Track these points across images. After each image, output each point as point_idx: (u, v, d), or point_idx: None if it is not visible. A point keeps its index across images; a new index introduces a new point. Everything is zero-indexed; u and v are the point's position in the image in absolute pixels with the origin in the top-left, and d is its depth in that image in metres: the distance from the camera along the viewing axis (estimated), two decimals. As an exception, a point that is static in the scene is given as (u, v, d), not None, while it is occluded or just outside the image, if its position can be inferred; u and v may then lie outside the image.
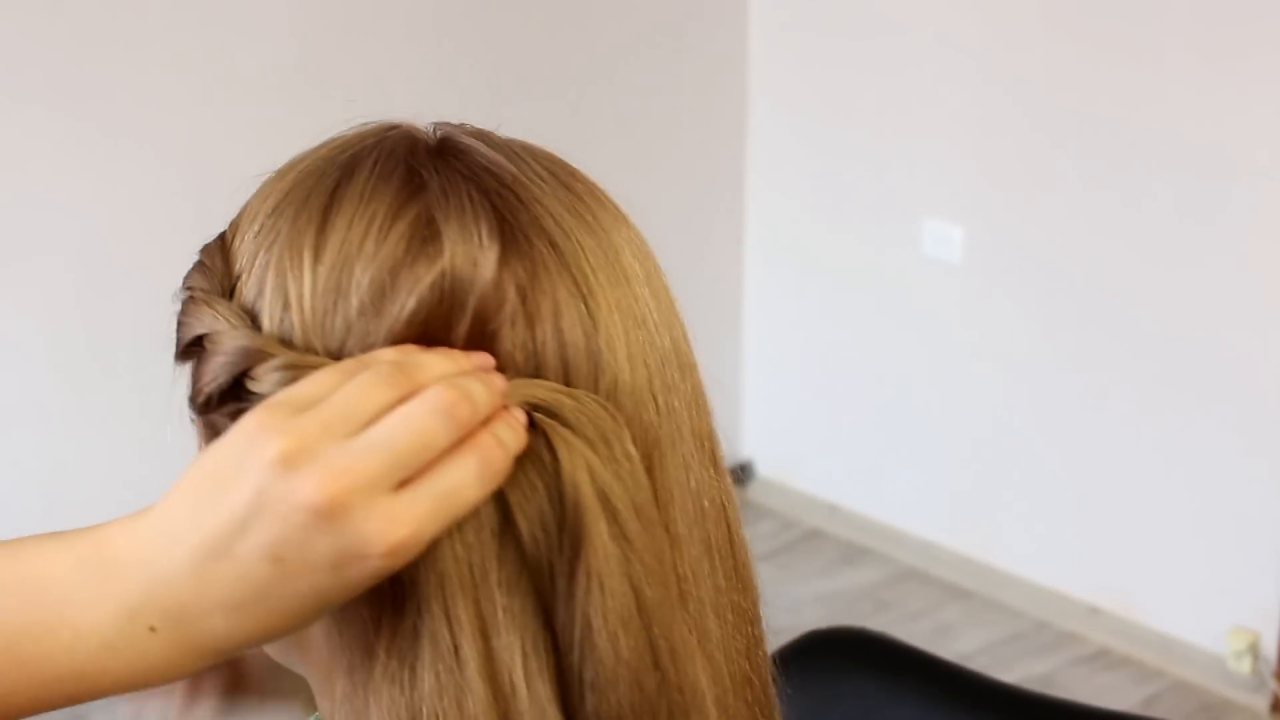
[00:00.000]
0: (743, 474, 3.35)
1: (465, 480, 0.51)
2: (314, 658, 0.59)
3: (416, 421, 0.50)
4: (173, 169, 2.43)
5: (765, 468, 3.35)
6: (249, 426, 0.50)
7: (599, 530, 0.53)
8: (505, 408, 0.53)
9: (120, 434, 2.43)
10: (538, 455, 0.53)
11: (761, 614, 0.63)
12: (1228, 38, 2.40)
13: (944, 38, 2.80)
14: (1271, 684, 2.54)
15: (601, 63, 2.95)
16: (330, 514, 0.48)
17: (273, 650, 0.62)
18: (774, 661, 0.67)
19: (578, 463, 0.53)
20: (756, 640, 0.62)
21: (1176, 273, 2.53)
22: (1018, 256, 2.77)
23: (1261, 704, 2.55)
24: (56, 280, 2.39)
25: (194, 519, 0.50)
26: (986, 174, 2.79)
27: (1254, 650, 2.54)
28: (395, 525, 0.49)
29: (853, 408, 3.14)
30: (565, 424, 0.54)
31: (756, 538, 3.21)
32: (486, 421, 0.52)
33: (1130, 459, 2.67)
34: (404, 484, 0.50)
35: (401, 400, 0.51)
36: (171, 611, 0.50)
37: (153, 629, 0.51)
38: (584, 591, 0.52)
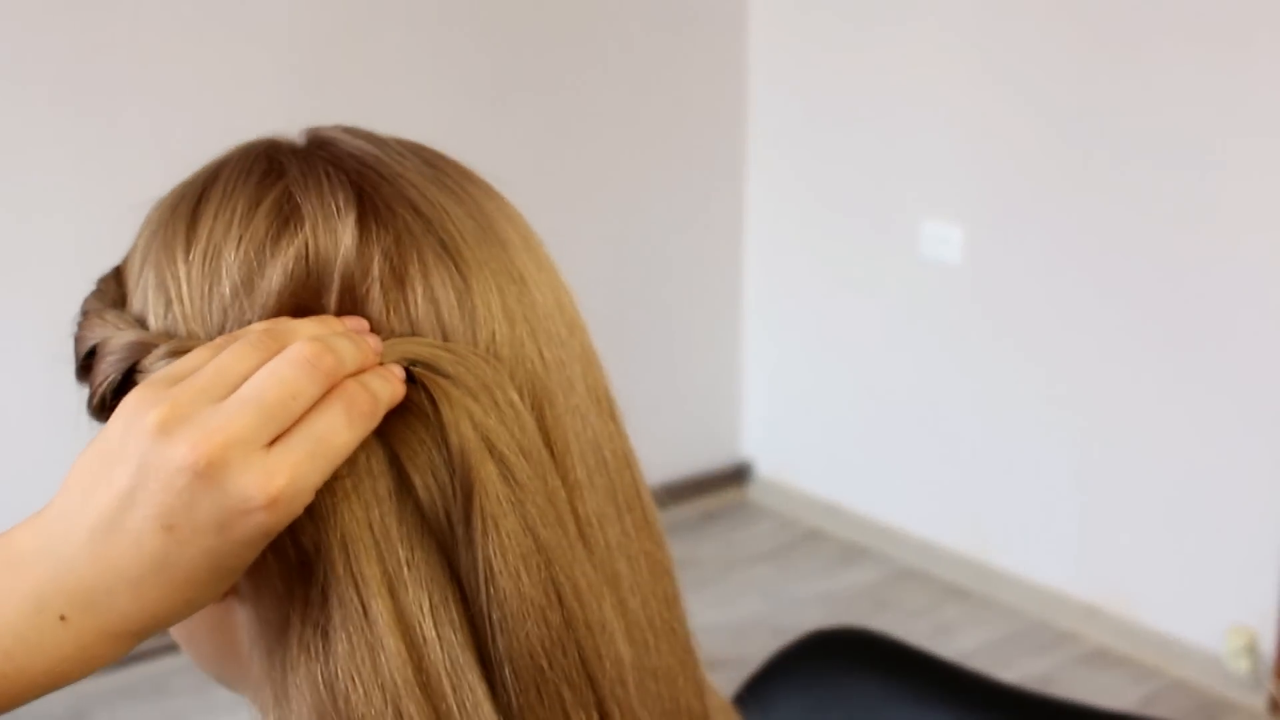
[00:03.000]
0: (743, 474, 3.36)
1: (334, 426, 0.52)
2: (243, 657, 0.59)
3: (280, 374, 0.52)
4: (173, 170, 2.43)
5: (765, 468, 3.35)
6: (129, 403, 0.52)
7: (488, 473, 0.54)
8: (381, 364, 0.55)
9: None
10: (421, 409, 0.55)
11: (675, 569, 0.65)
12: (1229, 38, 2.40)
13: (944, 38, 2.80)
14: (1269, 683, 2.54)
15: (601, 62, 2.95)
16: (208, 473, 0.50)
17: (208, 667, 0.63)
18: (774, 662, 0.67)
19: (459, 412, 0.54)
20: (675, 593, 0.63)
21: (1176, 273, 2.54)
22: (1018, 256, 2.77)
23: (1259, 703, 2.56)
24: (57, 281, 2.39)
25: (86, 499, 0.52)
26: (986, 174, 2.79)
27: (1252, 649, 2.54)
28: (272, 476, 0.50)
29: (853, 408, 3.14)
30: (444, 375, 0.55)
31: (756, 538, 3.22)
32: (358, 375, 0.54)
33: (1129, 459, 2.67)
34: (278, 439, 0.51)
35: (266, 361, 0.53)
36: (78, 596, 0.51)
37: (63, 618, 0.51)
38: (481, 535, 0.54)
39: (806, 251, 3.17)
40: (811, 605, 2.91)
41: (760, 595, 2.94)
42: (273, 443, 0.51)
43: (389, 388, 0.54)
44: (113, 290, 0.62)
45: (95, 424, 0.59)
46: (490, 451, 0.55)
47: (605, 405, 0.62)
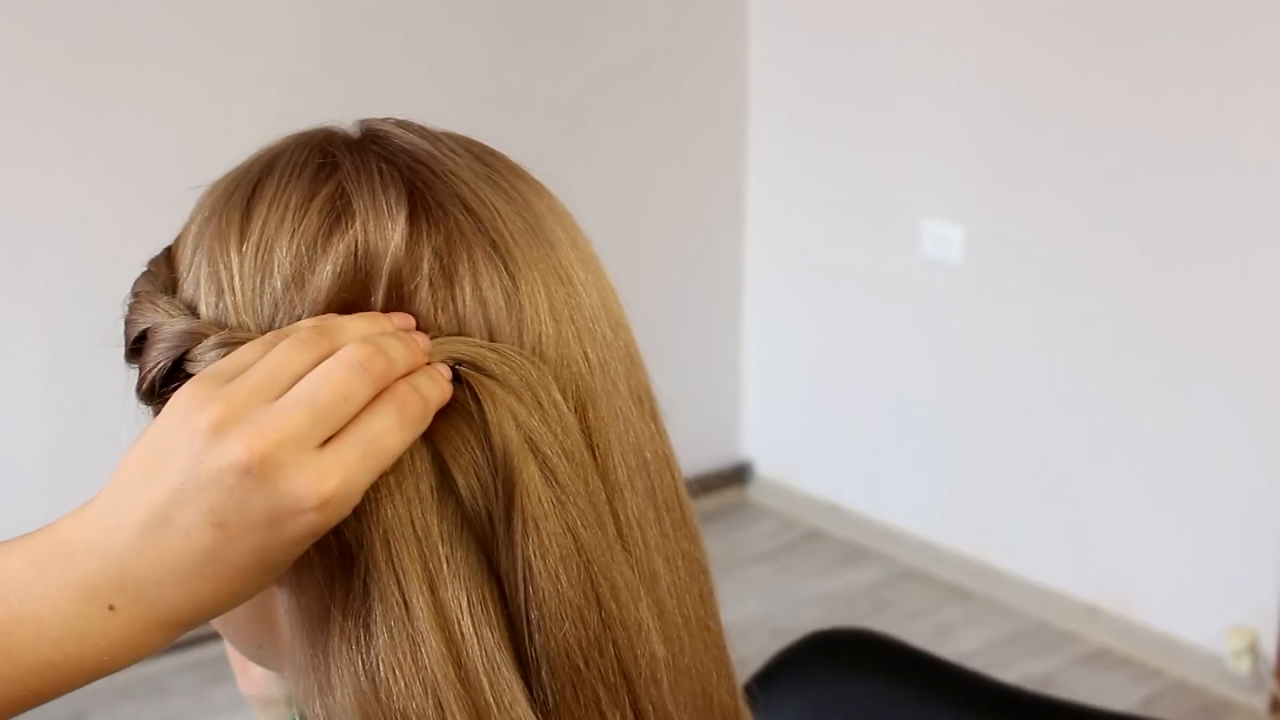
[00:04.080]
0: (743, 474, 3.36)
1: (385, 428, 0.53)
2: (282, 639, 0.60)
3: (333, 376, 0.52)
4: (174, 170, 2.43)
5: (765, 468, 3.35)
6: (181, 400, 0.52)
7: (530, 474, 0.55)
8: (429, 364, 0.55)
9: (121, 432, 2.43)
10: (465, 408, 0.55)
11: (710, 568, 0.65)
12: (1229, 37, 2.40)
13: (944, 38, 2.80)
14: (1270, 683, 2.54)
15: (601, 62, 2.95)
16: (261, 472, 0.50)
17: (245, 648, 0.64)
18: (775, 662, 0.67)
19: (503, 412, 0.55)
20: (711, 591, 0.64)
21: (1175, 273, 2.53)
22: (1017, 257, 2.77)
23: (1260, 703, 2.56)
24: (57, 281, 2.39)
25: (137, 494, 0.52)
26: (986, 174, 2.79)
27: (1253, 650, 2.54)
28: (324, 477, 0.51)
29: (853, 408, 3.14)
30: (489, 375, 0.56)
31: (756, 538, 3.21)
32: (408, 376, 0.54)
33: (1130, 459, 2.67)
34: (330, 440, 0.52)
35: (321, 361, 0.53)
36: (127, 586, 0.52)
37: (112, 607, 0.52)
38: (521, 535, 0.55)
39: (807, 251, 3.17)
40: (811, 605, 2.91)
41: (760, 595, 2.94)
42: (325, 443, 0.52)
43: (438, 389, 0.55)
44: (164, 274, 0.62)
45: (143, 407, 0.60)
46: (533, 452, 0.55)
47: (647, 406, 0.62)
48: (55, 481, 2.46)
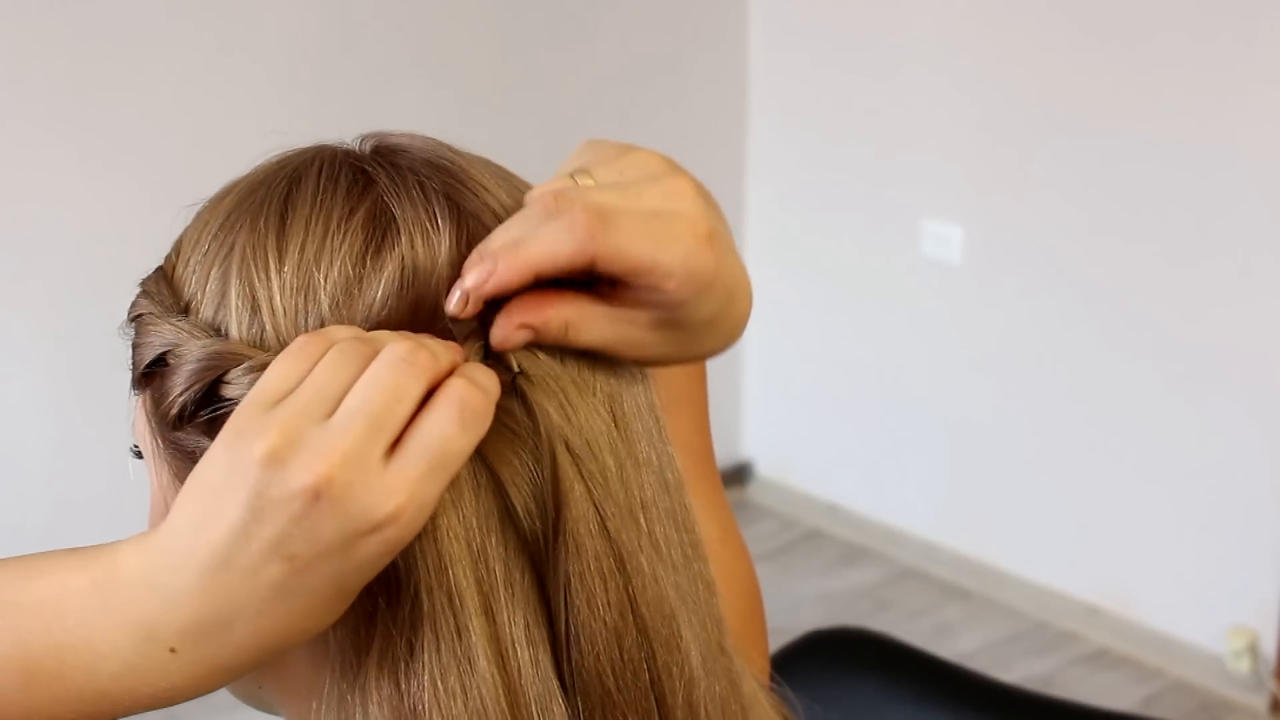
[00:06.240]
0: (743, 474, 3.36)
1: (448, 430, 0.50)
2: (292, 677, 0.58)
3: (380, 378, 0.50)
4: (175, 172, 2.43)
5: (765, 468, 3.35)
6: (229, 435, 0.50)
7: (577, 494, 0.54)
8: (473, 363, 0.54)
9: (122, 434, 2.43)
10: (514, 418, 0.54)
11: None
12: (1229, 37, 2.40)
13: (944, 39, 2.80)
14: (1270, 683, 2.54)
15: (600, 62, 2.95)
16: (328, 495, 0.48)
17: (243, 689, 0.61)
18: (774, 662, 0.67)
19: (553, 424, 0.54)
20: (721, 613, 0.63)
21: (1175, 272, 2.53)
22: (1017, 257, 2.77)
23: (1260, 703, 2.56)
24: (58, 282, 2.39)
25: (196, 535, 0.50)
26: (986, 174, 2.79)
27: (1253, 650, 2.54)
28: (393, 492, 0.49)
29: (853, 408, 3.14)
30: (539, 384, 0.54)
31: (756, 538, 3.21)
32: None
33: (1130, 458, 2.67)
34: (392, 451, 0.50)
35: (364, 371, 0.51)
36: (189, 631, 0.50)
37: (173, 650, 0.50)
38: (565, 555, 0.53)
39: (806, 251, 3.17)
40: (811, 605, 2.91)
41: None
42: (389, 452, 0.50)
43: (491, 381, 0.53)
44: (166, 295, 0.59)
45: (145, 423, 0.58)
46: (580, 471, 0.54)
47: (663, 424, 0.61)
48: (55, 482, 2.46)
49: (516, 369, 0.54)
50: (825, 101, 3.05)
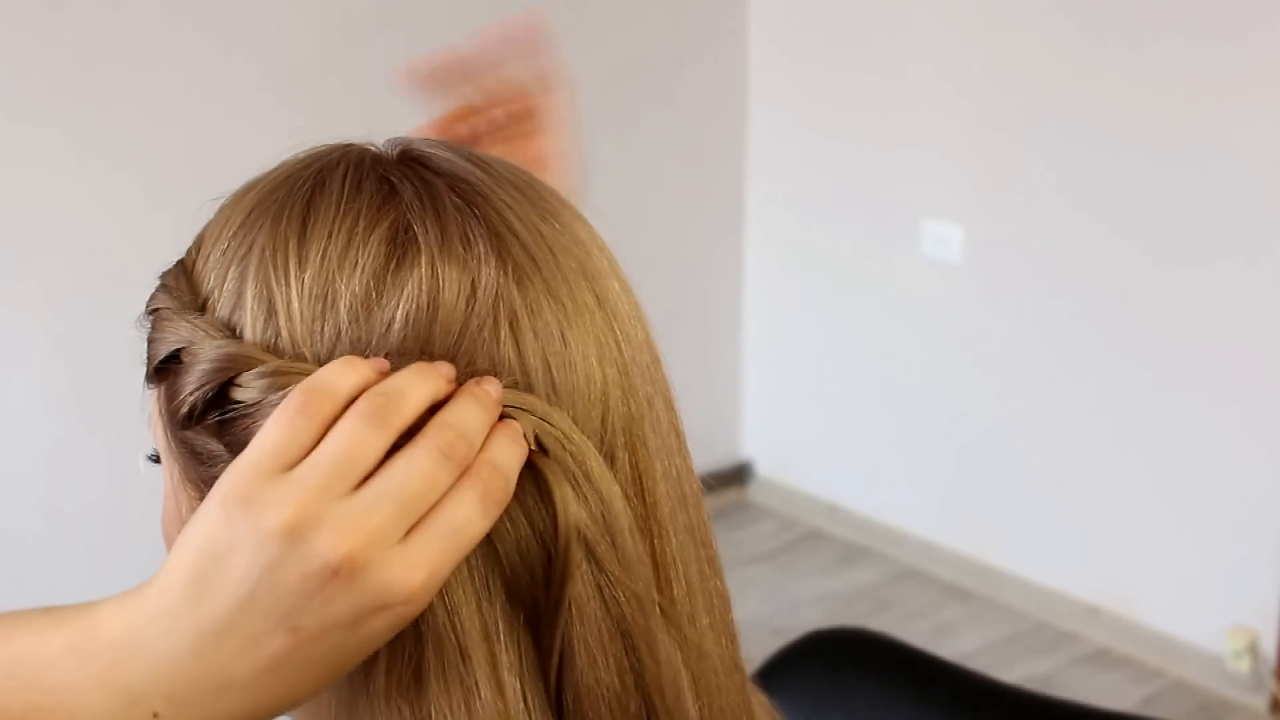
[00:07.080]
0: (743, 474, 3.36)
1: (470, 516, 0.50)
2: (305, 708, 0.58)
3: (417, 467, 0.49)
4: (175, 172, 2.43)
5: (765, 468, 3.35)
6: (234, 501, 0.49)
7: (578, 561, 0.53)
8: (501, 418, 0.53)
9: (122, 437, 2.43)
10: (523, 486, 0.53)
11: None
12: (1229, 38, 2.40)
13: (944, 38, 2.80)
14: (1270, 683, 2.54)
15: (601, 62, 2.95)
16: (350, 574, 0.48)
17: None
18: (775, 662, 0.67)
19: (570, 515, 0.53)
20: (736, 629, 0.63)
21: (1175, 273, 2.53)
22: (1017, 257, 2.77)
23: (1260, 703, 2.56)
24: (57, 282, 2.39)
25: (194, 602, 0.49)
26: (986, 174, 2.79)
27: (1253, 650, 2.54)
28: (413, 571, 0.49)
29: (853, 408, 3.14)
30: (550, 454, 0.54)
31: (756, 538, 3.21)
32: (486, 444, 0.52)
33: (1129, 459, 2.67)
34: (413, 529, 0.49)
35: (391, 442, 0.50)
36: (175, 697, 0.49)
37: (156, 715, 0.49)
38: (565, 619, 0.53)
39: (806, 251, 3.17)
40: (811, 605, 2.91)
41: (760, 595, 2.94)
42: (408, 531, 0.49)
43: (517, 456, 0.52)
44: (184, 290, 0.58)
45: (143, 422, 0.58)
46: (584, 538, 0.54)
47: (681, 439, 0.61)
48: (55, 483, 2.45)
49: (533, 445, 0.54)
50: (825, 101, 3.05)
